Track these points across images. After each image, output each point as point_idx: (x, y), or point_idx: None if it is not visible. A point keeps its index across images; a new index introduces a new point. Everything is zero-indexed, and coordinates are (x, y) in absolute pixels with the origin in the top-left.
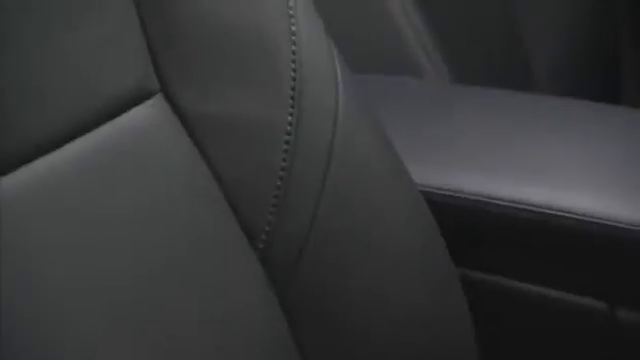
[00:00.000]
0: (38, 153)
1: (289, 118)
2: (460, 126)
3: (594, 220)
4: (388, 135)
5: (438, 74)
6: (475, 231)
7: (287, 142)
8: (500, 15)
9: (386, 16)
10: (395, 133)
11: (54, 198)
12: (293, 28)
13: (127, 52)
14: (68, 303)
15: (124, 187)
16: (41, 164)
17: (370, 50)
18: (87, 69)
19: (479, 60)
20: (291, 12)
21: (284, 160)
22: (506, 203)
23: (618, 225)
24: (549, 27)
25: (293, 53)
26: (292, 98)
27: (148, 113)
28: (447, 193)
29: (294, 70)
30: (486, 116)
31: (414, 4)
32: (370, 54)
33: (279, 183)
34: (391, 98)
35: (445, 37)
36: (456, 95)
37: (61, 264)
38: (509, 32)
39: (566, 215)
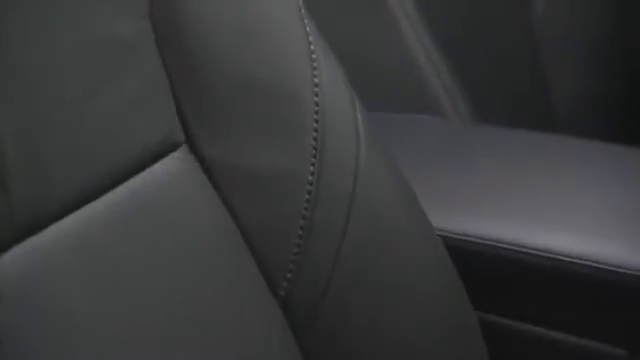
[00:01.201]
0: (72, 208)
1: (311, 168)
2: (478, 168)
3: (609, 268)
4: (406, 176)
5: (457, 112)
6: (491, 275)
7: (309, 192)
8: (521, 53)
9: (405, 54)
10: (413, 174)
11: (87, 249)
12: (316, 80)
13: (155, 108)
14: (98, 345)
15: (151, 235)
16: (74, 218)
17: (389, 88)
18: (118, 127)
19: (499, 97)
20: (315, 64)
21: (306, 209)
22: (522, 249)
23: (635, 273)
24: (571, 63)
25: (316, 104)
26: (314, 148)
27: (174, 165)
28: (463, 238)
29: (317, 121)
30: (504, 158)
31: (434, 42)
32: (389, 92)
33: (300, 232)
34: (410, 137)
35: (465, 75)
36: (475, 135)
37: (92, 306)
38: (530, 69)
39: (581, 262)
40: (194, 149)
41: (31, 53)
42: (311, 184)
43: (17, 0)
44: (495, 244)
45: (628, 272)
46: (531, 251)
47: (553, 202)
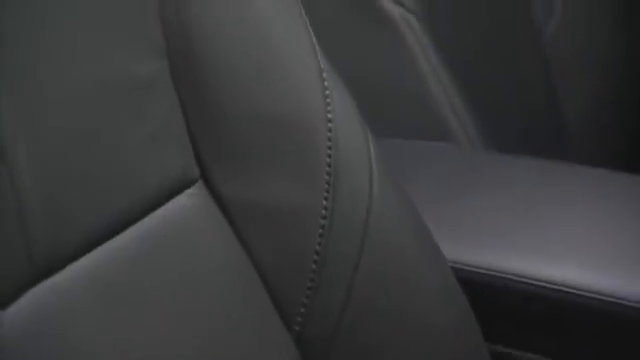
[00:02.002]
0: (89, 247)
1: (324, 202)
2: (488, 198)
3: (624, 302)
4: (418, 205)
5: (468, 138)
6: (499, 306)
7: (322, 226)
8: (533, 74)
9: (416, 80)
10: (423, 203)
11: (102, 287)
12: (329, 115)
13: (171, 145)
14: None
15: (166, 272)
16: (90, 257)
17: (400, 114)
18: (135, 165)
19: (510, 119)
20: (328, 99)
21: (319, 244)
22: (529, 281)
23: None
24: (582, 82)
25: (329, 139)
26: (328, 183)
27: (189, 201)
28: (472, 269)
29: (330, 155)
30: (514, 187)
31: (444, 67)
32: (400, 118)
33: (314, 266)
34: (420, 164)
35: (476, 100)
36: (485, 163)
37: (107, 345)
38: (541, 90)
39: (595, 296)
40: (209, 185)
41: (50, 90)
42: (324, 218)
43: (39, 35)
44: (503, 275)
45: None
46: (538, 283)
47: (562, 233)
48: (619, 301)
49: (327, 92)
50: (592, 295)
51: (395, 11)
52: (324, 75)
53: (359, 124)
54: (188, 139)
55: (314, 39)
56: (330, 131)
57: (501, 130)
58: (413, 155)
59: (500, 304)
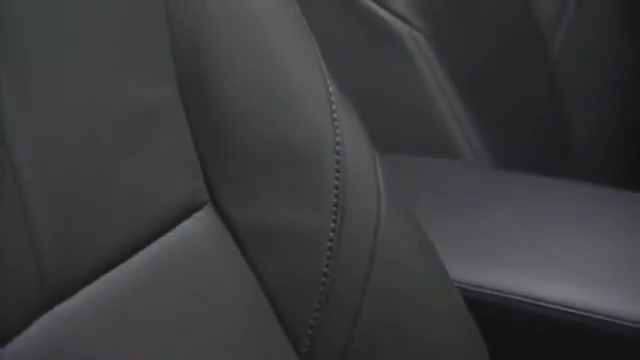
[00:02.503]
0: (100, 272)
1: (332, 225)
2: (494, 216)
3: (627, 323)
4: (423, 223)
5: (475, 154)
6: (506, 327)
7: (330, 249)
8: (540, 90)
9: (424, 97)
10: (430, 221)
11: (111, 312)
12: (338, 138)
13: (181, 169)
14: None
15: (176, 296)
16: (100, 282)
17: (407, 130)
18: (144, 190)
19: (517, 136)
20: (336, 122)
21: (327, 266)
22: (538, 302)
23: None
24: (589, 97)
25: (337, 162)
26: (335, 205)
27: (197, 225)
28: (477, 289)
29: (337, 179)
30: (521, 206)
31: (452, 85)
32: (407, 134)
33: (322, 289)
34: (427, 182)
35: (483, 116)
36: (492, 181)
37: None
38: (549, 106)
39: (599, 317)
40: (217, 208)
41: (60, 118)
42: (332, 241)
43: (47, 65)
44: (507, 295)
45: None
46: (542, 303)
47: (567, 253)
48: (624, 322)
49: (335, 115)
50: (596, 316)
51: (402, 28)
52: (332, 99)
53: (366, 146)
54: (197, 163)
55: (322, 62)
56: (338, 154)
57: (508, 146)
58: (419, 171)
59: (504, 324)
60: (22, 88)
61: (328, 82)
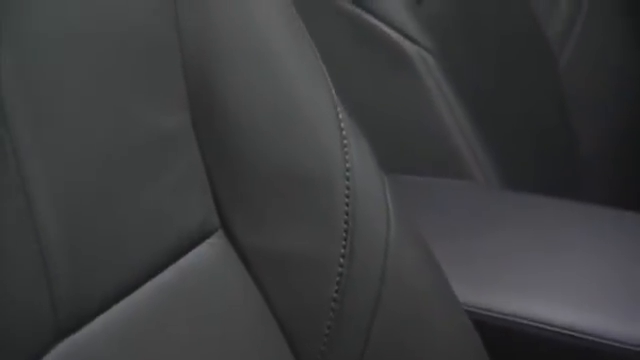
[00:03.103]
0: (113, 301)
1: (342, 251)
2: (503, 238)
3: (631, 347)
4: (431, 244)
5: (485, 175)
6: (513, 350)
7: (340, 274)
8: (548, 107)
9: (433, 117)
10: (439, 243)
11: (124, 339)
12: (347, 164)
13: (193, 196)
14: None
15: (188, 322)
16: (113, 311)
17: (417, 151)
18: (156, 218)
19: (526, 154)
20: (346, 149)
21: (337, 291)
22: (544, 325)
23: None
24: (597, 112)
25: (347, 188)
26: (345, 231)
27: (209, 251)
28: (485, 312)
29: (347, 204)
30: (530, 228)
31: (461, 105)
32: (417, 155)
33: (331, 314)
34: (436, 202)
35: (492, 137)
36: (502, 202)
37: None
38: (557, 124)
39: (606, 342)
40: (228, 234)
41: (73, 145)
42: (342, 266)
43: (62, 91)
44: (514, 319)
45: None
46: (549, 327)
47: (575, 276)
48: (625, 345)
49: (345, 142)
50: (597, 339)
51: (411, 49)
52: (342, 125)
53: (375, 170)
54: (209, 188)
55: (332, 87)
56: (348, 180)
57: (515, 160)
58: (428, 192)
59: (508, 345)
60: (37, 116)
61: (338, 107)
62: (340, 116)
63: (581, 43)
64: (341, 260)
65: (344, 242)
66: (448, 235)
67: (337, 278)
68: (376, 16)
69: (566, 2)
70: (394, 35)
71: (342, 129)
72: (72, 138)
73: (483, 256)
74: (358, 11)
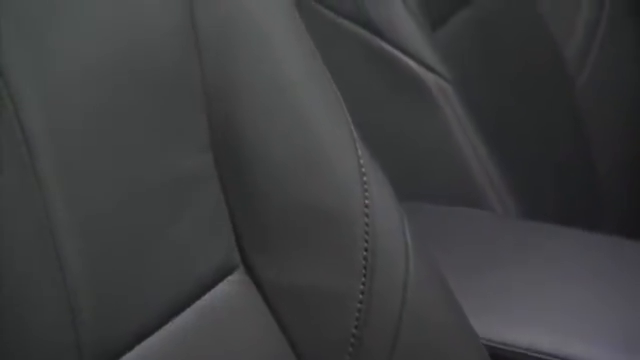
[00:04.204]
0: (136, 342)
1: (361, 287)
2: (520, 270)
3: None
4: (449, 275)
5: (503, 204)
6: None
7: (359, 309)
8: (565, 129)
9: (451, 145)
10: (456, 274)
11: None
12: (367, 201)
13: (215, 235)
14: None
15: (208, 358)
16: (138, 350)
17: (434, 179)
18: (179, 257)
19: (545, 186)
20: (365, 187)
21: (356, 327)
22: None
23: None
24: (616, 134)
25: (366, 224)
26: (365, 268)
27: (230, 288)
28: (502, 347)
29: (367, 240)
30: (548, 260)
31: (479, 134)
32: (435, 183)
33: (350, 349)
34: (453, 231)
35: (510, 165)
36: (519, 232)
37: None
38: (575, 149)
39: None
40: (249, 270)
41: (99, 188)
42: (361, 302)
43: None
44: (530, 353)
45: None
46: None
47: (586, 309)
48: None
49: (365, 179)
50: None
51: (429, 78)
52: (362, 162)
53: (394, 206)
54: (230, 226)
55: (351, 123)
56: (367, 216)
57: (534, 191)
58: (445, 221)
59: None
60: (63, 160)
61: (357, 143)
62: (359, 152)
63: (598, 64)
64: (360, 296)
65: (363, 278)
66: (464, 267)
67: (356, 314)
68: (393, 44)
69: (583, 24)
70: (412, 64)
71: (361, 165)
72: (93, 179)
73: (499, 288)
74: (375, 39)
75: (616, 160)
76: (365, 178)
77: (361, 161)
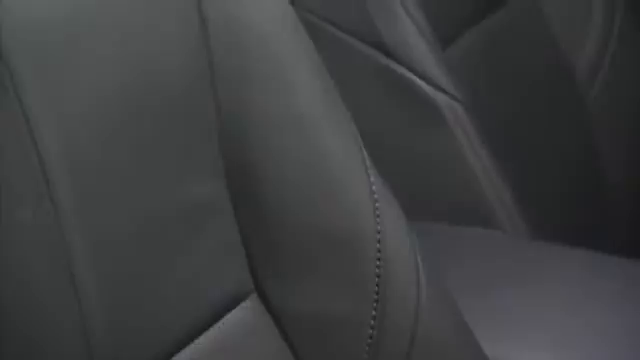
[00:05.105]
0: None
1: (373, 312)
2: (531, 291)
3: None
4: (459, 296)
5: (513, 224)
6: None
7: (370, 336)
8: (577, 146)
9: (461, 165)
10: (466, 295)
11: None
12: (379, 227)
13: (228, 261)
14: None
15: None
16: None
17: (445, 199)
18: (193, 286)
19: (556, 205)
20: (377, 212)
21: (367, 352)
22: None
23: None
24: (627, 146)
25: (378, 251)
26: (376, 293)
27: (243, 314)
28: None
29: (378, 267)
30: (559, 282)
31: (489, 153)
32: (445, 203)
33: None
34: (464, 252)
35: (521, 185)
36: (530, 252)
37: None
38: (585, 158)
39: None
40: (262, 296)
41: (115, 213)
42: (373, 328)
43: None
44: None
45: None
46: None
47: (606, 333)
48: None
49: (377, 205)
50: None
51: (439, 98)
52: (374, 188)
53: (406, 233)
54: (243, 252)
55: (364, 149)
56: (379, 242)
57: (545, 211)
58: (456, 242)
59: None
60: (80, 190)
61: (369, 169)
62: (372, 179)
63: (609, 79)
64: (372, 322)
65: (375, 304)
66: (473, 287)
67: (368, 339)
68: (404, 64)
69: (594, 39)
70: (422, 84)
71: (373, 191)
72: (109, 208)
73: (508, 310)
74: (385, 59)
75: (626, 174)
76: (377, 204)
77: (373, 187)
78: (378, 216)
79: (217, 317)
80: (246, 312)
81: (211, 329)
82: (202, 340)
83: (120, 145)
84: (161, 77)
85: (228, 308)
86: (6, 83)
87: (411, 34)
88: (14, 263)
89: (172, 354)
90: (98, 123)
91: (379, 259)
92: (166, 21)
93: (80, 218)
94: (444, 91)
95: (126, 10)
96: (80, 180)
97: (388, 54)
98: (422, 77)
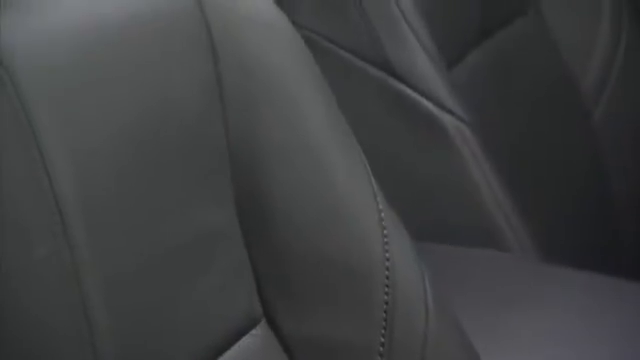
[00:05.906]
0: None
1: (382, 339)
2: (536, 315)
3: None
4: (465, 318)
5: (521, 245)
6: None
7: None
8: (584, 165)
9: (468, 186)
10: (472, 317)
11: None
12: (387, 255)
13: (239, 289)
14: None
15: None
16: None
17: (452, 219)
18: (203, 312)
19: (564, 224)
20: (386, 240)
21: None
22: None
23: None
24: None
25: (387, 278)
26: (385, 320)
27: (253, 342)
28: None
29: (387, 294)
30: (565, 305)
31: (496, 174)
32: (452, 224)
33: None
34: (472, 272)
35: (529, 206)
36: (537, 275)
37: None
38: (592, 177)
39: None
40: (271, 323)
41: (127, 242)
42: (381, 355)
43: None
44: None
45: None
46: None
47: (598, 354)
48: None
49: (385, 232)
50: None
51: (446, 119)
52: (382, 215)
53: (415, 261)
54: (253, 279)
55: (373, 179)
56: (388, 270)
57: (553, 231)
58: (463, 263)
59: None
60: (93, 221)
61: (378, 197)
62: (380, 206)
63: (615, 98)
64: (380, 348)
65: (383, 330)
66: (480, 309)
67: None
68: (410, 85)
69: (599, 57)
70: (429, 105)
71: (382, 219)
72: (121, 238)
73: (514, 332)
74: (392, 80)
75: (633, 195)
76: (385, 231)
77: (382, 215)
78: (387, 243)
79: (227, 345)
80: (255, 339)
81: (221, 357)
82: None
83: (134, 178)
84: (171, 107)
85: (238, 335)
86: (22, 122)
87: (417, 54)
88: (29, 299)
89: None
90: (112, 158)
91: (387, 286)
92: (179, 52)
93: (93, 253)
94: (450, 112)
95: (140, 43)
96: (94, 215)
97: (394, 74)
98: (428, 97)
